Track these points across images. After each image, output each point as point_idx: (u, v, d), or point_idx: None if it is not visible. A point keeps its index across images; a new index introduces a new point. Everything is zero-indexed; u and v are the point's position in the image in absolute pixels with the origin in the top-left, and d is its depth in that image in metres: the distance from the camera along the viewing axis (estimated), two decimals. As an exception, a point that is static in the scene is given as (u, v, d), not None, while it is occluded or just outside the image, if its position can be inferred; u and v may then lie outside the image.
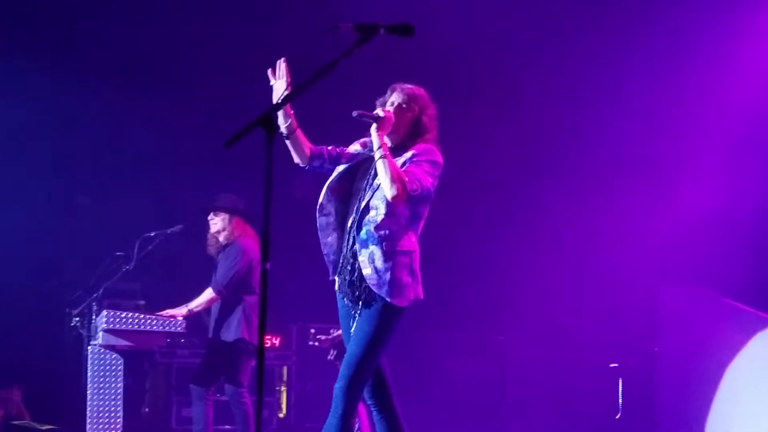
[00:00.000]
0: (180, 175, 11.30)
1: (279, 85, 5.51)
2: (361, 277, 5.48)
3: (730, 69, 10.05)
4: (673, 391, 9.99)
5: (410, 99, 5.64)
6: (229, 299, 8.42)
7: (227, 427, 9.60)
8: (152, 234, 8.93)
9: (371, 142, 5.55)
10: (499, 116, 11.21)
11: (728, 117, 10.02)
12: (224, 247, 8.55)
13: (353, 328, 5.53)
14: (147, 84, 11.06)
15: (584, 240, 10.90)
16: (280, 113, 5.48)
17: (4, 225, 11.03)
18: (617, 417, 10.15)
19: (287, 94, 4.88)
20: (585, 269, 10.84)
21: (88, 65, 10.90)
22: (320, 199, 5.66)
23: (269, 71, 5.59)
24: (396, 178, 5.34)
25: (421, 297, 5.59)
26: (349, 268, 5.55)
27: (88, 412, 8.21)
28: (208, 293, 8.44)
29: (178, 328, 8.40)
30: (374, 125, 5.47)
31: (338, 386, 5.42)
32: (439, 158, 5.60)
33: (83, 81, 10.90)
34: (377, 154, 5.42)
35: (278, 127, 4.98)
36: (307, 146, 5.61)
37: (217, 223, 8.58)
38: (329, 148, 5.71)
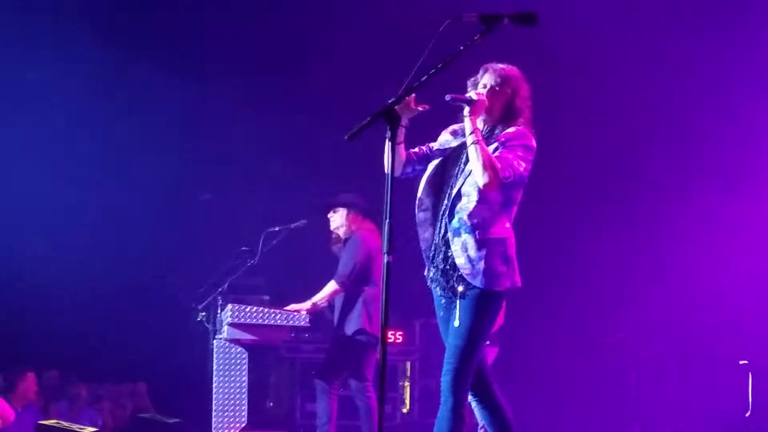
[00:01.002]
0: (304, 169, 11.38)
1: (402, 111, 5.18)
2: (455, 267, 5.36)
3: None
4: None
5: (503, 80, 5.47)
6: (350, 292, 8.45)
7: (352, 421, 9.62)
8: (276, 229, 8.99)
9: (462, 129, 5.44)
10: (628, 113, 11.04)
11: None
12: (345, 241, 8.60)
13: (452, 321, 5.39)
14: (273, 81, 11.18)
15: (711, 233, 10.67)
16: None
17: (133, 223, 11.27)
18: (747, 414, 9.92)
19: (411, 87, 4.83)
20: (710, 263, 10.61)
21: (212, 65, 11.07)
22: (419, 194, 5.55)
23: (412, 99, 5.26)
24: (488, 165, 5.21)
25: (519, 285, 5.45)
26: (441, 257, 5.42)
27: (213, 406, 8.30)
28: (331, 286, 8.47)
29: (303, 323, 8.44)
30: (466, 109, 5.33)
31: (445, 380, 5.33)
32: (533, 142, 5.45)
33: (208, 81, 11.08)
34: (469, 140, 5.29)
35: (401, 120, 4.92)
36: (404, 155, 5.47)
37: (335, 219, 8.64)
38: (415, 150, 5.56)
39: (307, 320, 8.44)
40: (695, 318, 10.73)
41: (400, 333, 10.98)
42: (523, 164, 5.36)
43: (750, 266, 10.38)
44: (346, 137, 4.99)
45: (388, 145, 5.03)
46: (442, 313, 5.55)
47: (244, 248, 9.11)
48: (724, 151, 10.53)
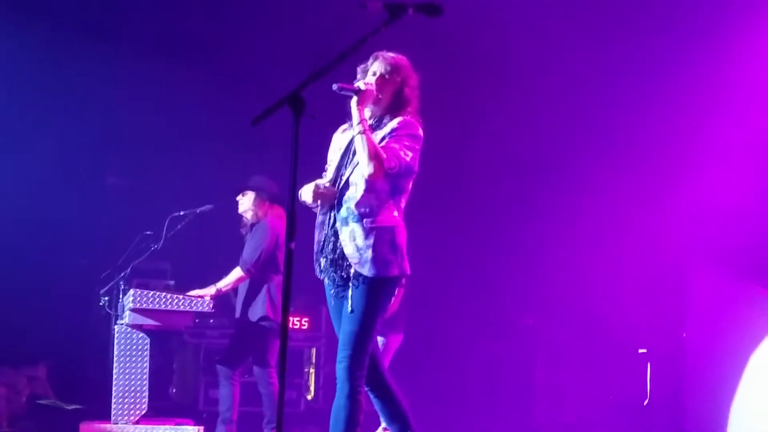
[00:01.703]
0: (211, 154, 11.31)
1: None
2: (344, 256, 5.41)
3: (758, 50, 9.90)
4: (701, 377, 9.92)
5: (393, 69, 5.54)
6: (255, 279, 8.43)
7: (255, 408, 9.60)
8: (182, 213, 8.93)
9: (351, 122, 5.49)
10: (531, 100, 11.12)
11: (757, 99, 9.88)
12: (252, 226, 8.57)
13: (345, 308, 5.43)
14: (177, 63, 11.06)
15: (613, 224, 10.81)
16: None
17: (36, 204, 11.08)
18: (645, 403, 10.10)
19: (315, 73, 4.84)
20: (613, 254, 10.75)
21: (119, 43, 10.92)
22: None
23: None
24: (373, 155, 5.28)
25: (408, 272, 5.52)
26: (330, 247, 5.48)
27: (113, 392, 8.22)
28: (236, 272, 8.45)
29: (207, 308, 8.39)
30: (354, 98, 5.39)
31: (340, 367, 5.36)
32: (420, 131, 5.51)
33: (114, 60, 10.93)
34: (356, 129, 5.36)
35: (305, 106, 4.93)
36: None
37: (244, 202, 8.62)
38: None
39: (211, 306, 8.40)
40: (598, 306, 10.87)
41: (306, 319, 10.94)
42: (410, 154, 5.43)
43: (652, 258, 10.53)
44: (251, 123, 4.99)
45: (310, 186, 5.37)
46: (333, 302, 5.60)
47: (147, 232, 9.03)
48: (631, 143, 10.66)
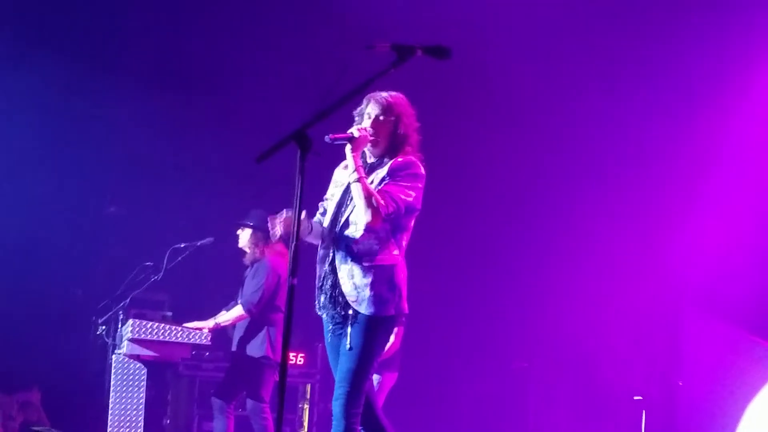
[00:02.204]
0: (212, 187, 11.34)
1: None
2: (342, 293, 5.40)
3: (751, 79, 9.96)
4: (695, 425, 9.91)
5: (386, 109, 5.50)
6: (255, 317, 8.43)
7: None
8: (182, 245, 8.96)
9: None
10: (528, 134, 11.17)
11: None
12: (252, 263, 8.57)
13: (343, 346, 5.42)
14: (181, 96, 11.12)
15: (608, 269, 10.83)
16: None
17: (36, 231, 11.10)
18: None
19: (322, 111, 4.85)
20: (608, 299, 10.77)
21: (123, 74, 10.97)
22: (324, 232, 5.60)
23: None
24: (370, 203, 5.27)
25: (405, 311, 5.51)
26: (330, 284, 5.47)
27: (109, 421, 8.24)
28: (237, 310, 8.45)
29: (204, 341, 8.42)
30: (348, 146, 5.36)
31: (337, 404, 5.35)
32: (420, 170, 5.49)
33: (117, 91, 10.98)
34: (351, 178, 5.34)
35: (311, 144, 4.92)
36: (310, 226, 5.53)
37: (242, 237, 8.63)
38: (317, 218, 5.66)
39: (209, 338, 8.42)
40: (592, 351, 10.88)
41: (302, 355, 10.93)
42: (412, 194, 5.43)
43: (647, 305, 10.55)
44: (256, 160, 5.02)
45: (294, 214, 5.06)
46: (330, 338, 5.58)
47: (148, 263, 9.05)
48: (626, 189, 10.70)
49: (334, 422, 5.39)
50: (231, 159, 10.80)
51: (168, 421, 11.02)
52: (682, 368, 10.24)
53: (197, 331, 8.35)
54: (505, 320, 11.35)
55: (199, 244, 9.01)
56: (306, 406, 11.25)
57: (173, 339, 8.27)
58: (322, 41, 10.36)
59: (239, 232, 8.65)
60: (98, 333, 9.23)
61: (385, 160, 5.52)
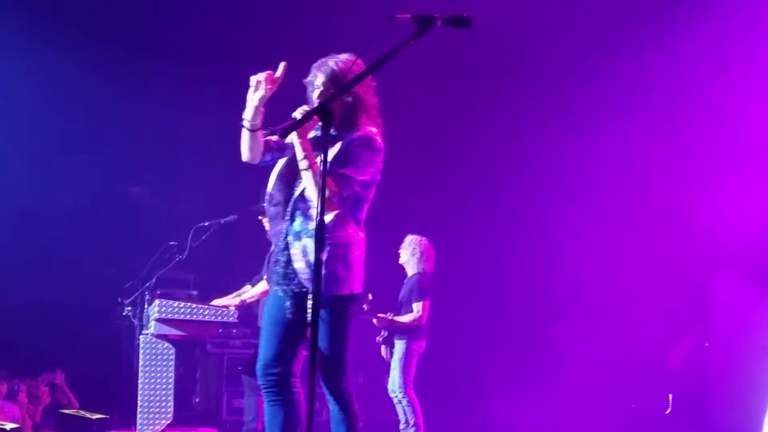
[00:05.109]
0: (236, 165, 11.32)
1: (258, 94, 5.20)
2: (295, 270, 5.12)
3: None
4: (724, 387, 9.89)
5: (332, 78, 5.18)
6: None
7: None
8: (206, 224, 8.94)
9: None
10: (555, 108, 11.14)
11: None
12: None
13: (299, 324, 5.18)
14: (205, 74, 11.11)
15: (638, 231, 10.81)
16: (254, 106, 5.19)
17: (63, 213, 11.15)
18: (667, 412, 10.07)
19: (347, 83, 4.73)
20: (638, 262, 10.75)
21: (149, 53, 10.96)
22: (269, 188, 5.29)
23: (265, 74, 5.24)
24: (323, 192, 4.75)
25: (358, 291, 5.18)
26: (283, 259, 5.18)
27: (139, 402, 8.22)
28: (263, 285, 8.42)
29: (231, 318, 8.37)
30: (294, 133, 4.98)
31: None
32: (376, 143, 5.15)
33: (143, 72, 10.97)
34: (301, 165, 5.00)
35: (334, 118, 4.69)
36: (263, 143, 5.23)
37: (266, 224, 8.59)
38: (275, 138, 5.27)
39: (236, 316, 8.38)
40: (621, 315, 10.87)
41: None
42: (370, 170, 5.13)
43: (675, 266, 10.53)
44: (279, 135, 5.00)
45: (246, 133, 5.18)
46: (278, 312, 5.28)
47: (172, 243, 9.05)
48: (656, 148, 10.67)
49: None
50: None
51: (197, 399, 11.09)
52: (710, 329, 10.22)
53: (224, 309, 8.31)
54: (535, 286, 11.36)
55: (222, 221, 8.99)
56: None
57: (200, 318, 8.23)
58: (348, 18, 10.31)
59: (262, 218, 8.59)
60: (125, 314, 9.25)
61: (341, 134, 5.16)
